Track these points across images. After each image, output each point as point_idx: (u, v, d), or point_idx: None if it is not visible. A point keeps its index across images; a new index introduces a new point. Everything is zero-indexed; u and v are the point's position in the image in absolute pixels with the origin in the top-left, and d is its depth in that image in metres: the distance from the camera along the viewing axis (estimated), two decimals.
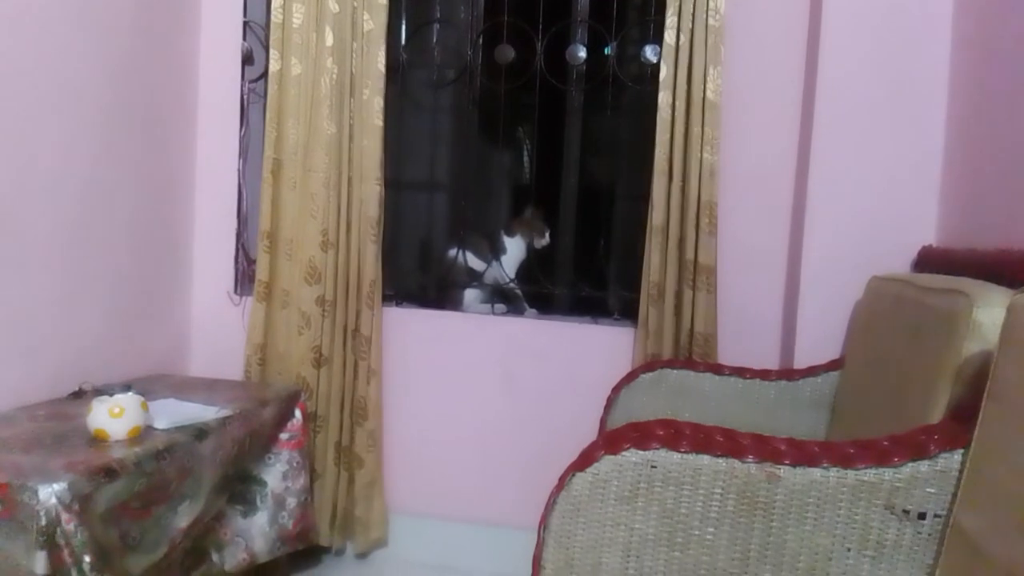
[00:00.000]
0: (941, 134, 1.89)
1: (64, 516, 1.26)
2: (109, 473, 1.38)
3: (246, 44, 2.34)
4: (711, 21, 1.97)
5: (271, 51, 2.18)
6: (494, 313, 2.35)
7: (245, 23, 2.34)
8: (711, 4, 1.97)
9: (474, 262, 2.42)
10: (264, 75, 2.28)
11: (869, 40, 1.91)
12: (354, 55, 2.16)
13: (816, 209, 1.96)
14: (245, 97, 2.36)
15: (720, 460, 1.09)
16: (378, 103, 2.16)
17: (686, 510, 1.09)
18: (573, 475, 1.11)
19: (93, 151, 1.95)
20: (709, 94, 1.99)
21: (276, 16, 2.17)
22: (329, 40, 2.15)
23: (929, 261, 1.81)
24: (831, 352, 1.91)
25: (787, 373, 1.89)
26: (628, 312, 2.29)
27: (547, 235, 2.38)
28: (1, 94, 1.67)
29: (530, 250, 2.40)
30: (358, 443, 2.24)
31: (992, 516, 0.99)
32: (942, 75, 1.88)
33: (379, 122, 2.16)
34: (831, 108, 1.94)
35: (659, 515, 1.10)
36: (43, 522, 1.25)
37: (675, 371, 1.89)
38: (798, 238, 2.01)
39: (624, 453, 1.10)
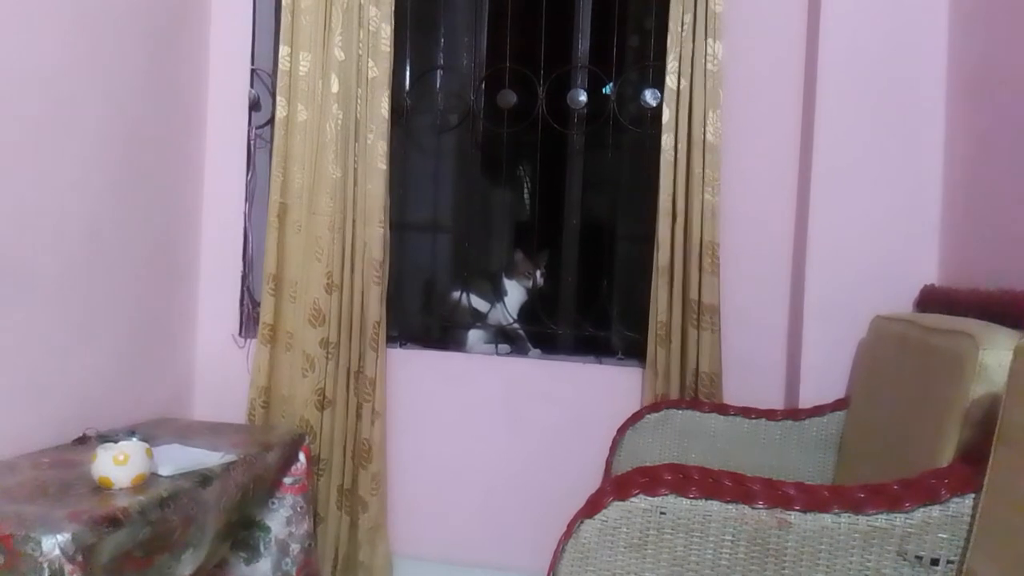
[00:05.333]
0: (940, 172, 1.91)
1: (68, 567, 1.25)
2: (113, 522, 1.36)
3: (253, 91, 2.39)
4: (709, 66, 2.01)
5: (278, 98, 2.22)
6: (498, 354, 2.35)
7: (253, 71, 2.38)
8: (709, 50, 2.01)
9: (478, 303, 2.43)
10: (271, 121, 2.32)
11: (865, 80, 1.95)
12: (359, 101, 2.20)
13: (817, 248, 1.97)
14: (252, 142, 2.39)
15: (730, 506, 1.08)
16: (382, 147, 2.19)
17: (696, 558, 1.08)
18: (581, 522, 1.11)
19: (100, 194, 1.97)
20: (709, 136, 2.02)
21: (283, 64, 2.21)
22: (335, 87, 2.19)
23: (931, 301, 1.81)
24: (836, 391, 1.90)
25: (792, 413, 1.89)
26: (632, 352, 2.29)
27: (538, 276, 2.37)
28: (9, 138, 1.69)
29: (530, 293, 2.41)
30: (361, 487, 2.22)
31: (1006, 562, 0.98)
32: (939, 114, 1.91)
33: (383, 166, 2.19)
34: (829, 149, 1.96)
35: (669, 563, 1.09)
36: (46, 574, 1.23)
37: (680, 411, 1.88)
38: (800, 277, 2.02)
39: (633, 499, 1.09)
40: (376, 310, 2.21)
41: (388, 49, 2.18)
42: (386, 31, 2.17)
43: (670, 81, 2.05)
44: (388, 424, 2.29)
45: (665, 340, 2.07)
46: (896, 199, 1.93)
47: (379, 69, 2.18)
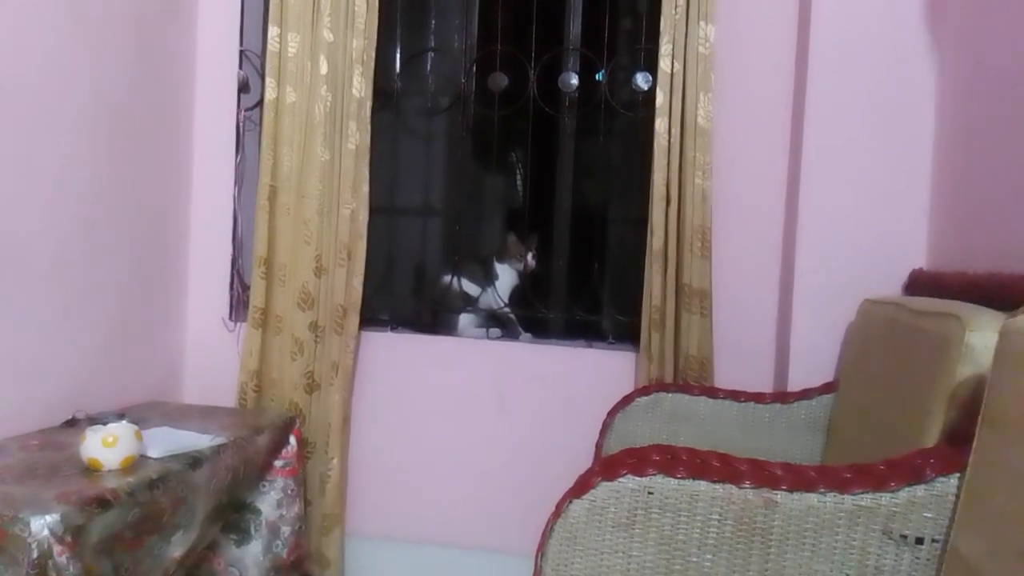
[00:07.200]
0: (929, 157, 1.91)
1: (56, 548, 1.25)
2: (102, 504, 1.36)
3: (242, 72, 2.36)
4: (701, 49, 2.00)
5: (267, 79, 2.20)
6: (489, 337, 2.35)
7: (241, 52, 2.36)
8: (701, 33, 2.00)
9: (469, 287, 2.43)
10: (260, 103, 2.30)
11: (857, 65, 1.94)
12: (347, 82, 2.18)
13: (807, 233, 1.98)
14: (241, 124, 2.37)
15: (717, 486, 1.09)
16: (352, 127, 2.17)
17: (684, 537, 1.09)
18: (570, 502, 1.11)
19: (88, 178, 1.95)
20: (700, 120, 2.01)
21: (272, 45, 2.19)
22: (324, 68, 2.17)
23: (920, 284, 1.82)
24: (824, 375, 1.91)
25: (781, 396, 1.90)
26: (622, 336, 2.29)
27: (530, 257, 2.37)
28: None
29: (522, 275, 2.41)
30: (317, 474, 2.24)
31: (990, 540, 1.00)
32: (929, 99, 1.91)
33: (352, 146, 2.17)
34: (820, 133, 1.97)
35: (657, 542, 1.09)
36: (35, 555, 1.24)
37: (670, 395, 1.89)
38: (790, 261, 2.02)
39: (621, 479, 1.10)
40: (342, 294, 2.19)
41: (363, 26, 2.15)
42: (361, 7, 2.14)
43: (663, 64, 2.03)
44: (378, 406, 2.30)
45: (659, 325, 2.07)
46: (886, 183, 1.94)
47: (355, 46, 2.15)
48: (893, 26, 1.93)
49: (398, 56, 2.44)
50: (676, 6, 2.02)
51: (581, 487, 1.11)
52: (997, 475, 1.00)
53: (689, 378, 2.04)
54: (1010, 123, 1.57)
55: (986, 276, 1.49)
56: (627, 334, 2.28)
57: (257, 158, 2.28)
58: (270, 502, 1.97)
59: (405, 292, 2.62)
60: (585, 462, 1.84)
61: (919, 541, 1.08)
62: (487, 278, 2.42)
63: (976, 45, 1.75)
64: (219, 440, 1.75)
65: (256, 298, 2.23)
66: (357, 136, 2.17)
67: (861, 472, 1.10)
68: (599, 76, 2.34)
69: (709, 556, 1.09)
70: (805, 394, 1.86)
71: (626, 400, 1.89)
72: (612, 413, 1.89)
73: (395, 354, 2.31)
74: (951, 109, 1.85)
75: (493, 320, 2.41)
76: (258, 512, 1.96)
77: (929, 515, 1.08)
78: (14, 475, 1.45)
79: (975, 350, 1.20)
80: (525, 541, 1.58)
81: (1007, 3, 1.62)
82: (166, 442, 1.67)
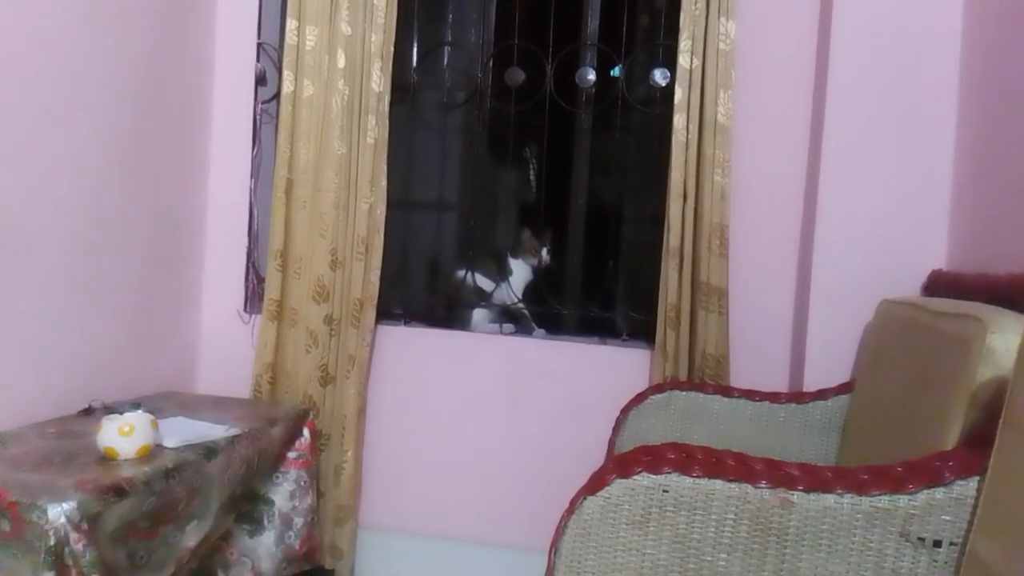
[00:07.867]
0: (950, 156, 1.89)
1: (73, 536, 1.26)
2: (118, 492, 1.38)
3: (260, 65, 2.37)
4: (721, 46, 1.99)
5: (284, 72, 2.21)
6: (502, 333, 2.35)
7: (259, 45, 2.37)
8: (722, 29, 1.98)
9: (483, 282, 2.43)
10: (277, 96, 2.30)
11: (878, 63, 1.92)
12: (364, 76, 2.18)
13: (825, 231, 1.96)
14: (258, 117, 2.38)
15: (733, 485, 1.08)
16: (371, 121, 2.17)
17: (698, 536, 1.09)
18: (584, 499, 1.11)
19: (105, 169, 1.96)
20: (720, 117, 2.00)
21: (290, 38, 2.19)
22: (341, 62, 2.17)
23: (939, 285, 1.80)
24: (841, 375, 1.90)
25: (797, 396, 1.88)
26: (636, 333, 2.28)
27: (544, 253, 2.37)
28: (14, 111, 1.69)
29: (536, 271, 2.40)
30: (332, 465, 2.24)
31: (1009, 544, 0.98)
32: (951, 98, 1.89)
33: (371, 140, 2.18)
34: (840, 131, 1.95)
35: (671, 540, 1.09)
36: (51, 542, 1.25)
37: (684, 393, 1.88)
38: (807, 260, 2.01)
39: (636, 477, 1.09)
40: (360, 287, 2.20)
41: (381, 20, 2.15)
42: (381, 2, 2.15)
43: (683, 60, 2.02)
44: (391, 400, 2.30)
45: (675, 322, 2.05)
46: (906, 183, 1.92)
47: (373, 39, 2.15)
48: (915, 23, 1.91)
49: (415, 50, 2.44)
50: (696, 2, 2.00)
51: (596, 484, 1.10)
52: (1018, 478, 0.99)
53: (705, 376, 2.03)
54: None
55: (1007, 277, 1.48)
56: (641, 331, 2.27)
57: (274, 151, 2.28)
58: (283, 493, 1.98)
59: (419, 286, 2.62)
60: (597, 459, 1.84)
61: (937, 544, 1.07)
62: (501, 273, 2.42)
63: (999, 42, 1.73)
64: (234, 431, 1.76)
65: (271, 290, 2.23)
66: (376, 130, 2.18)
67: (878, 473, 1.09)
68: (615, 72, 2.33)
69: (724, 555, 1.08)
70: (821, 394, 1.85)
71: (640, 397, 1.89)
72: (625, 410, 1.89)
73: (408, 348, 2.32)
74: (973, 107, 1.83)
75: (507, 316, 2.41)
76: (271, 503, 1.97)
77: (947, 518, 1.07)
78: (32, 463, 1.46)
79: (996, 352, 1.18)
80: (537, 537, 1.58)
81: None
82: (181, 432, 1.68)
